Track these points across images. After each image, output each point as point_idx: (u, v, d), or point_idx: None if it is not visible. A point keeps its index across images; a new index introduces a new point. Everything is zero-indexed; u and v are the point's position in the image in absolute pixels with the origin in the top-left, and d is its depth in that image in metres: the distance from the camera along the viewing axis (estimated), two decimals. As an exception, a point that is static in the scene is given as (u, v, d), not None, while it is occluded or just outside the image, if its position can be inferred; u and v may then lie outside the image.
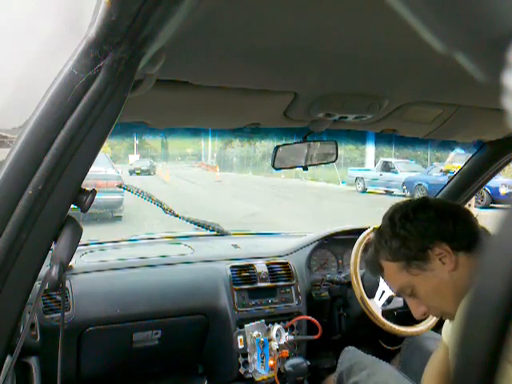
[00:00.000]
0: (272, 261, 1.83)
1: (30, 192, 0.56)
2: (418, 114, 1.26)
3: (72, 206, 0.62)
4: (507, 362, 0.17)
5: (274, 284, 1.78)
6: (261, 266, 1.79)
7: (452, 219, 0.94)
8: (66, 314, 1.44)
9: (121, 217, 8.23)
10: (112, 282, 1.59)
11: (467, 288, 0.73)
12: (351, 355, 1.51)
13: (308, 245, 1.96)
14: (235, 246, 1.98)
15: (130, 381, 1.79)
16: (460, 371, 0.18)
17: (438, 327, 1.74)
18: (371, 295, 1.68)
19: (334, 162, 1.52)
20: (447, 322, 0.94)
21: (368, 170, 16.29)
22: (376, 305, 1.67)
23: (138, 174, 21.27)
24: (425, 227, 0.93)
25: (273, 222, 8.00)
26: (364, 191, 14.75)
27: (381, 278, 1.70)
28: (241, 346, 1.65)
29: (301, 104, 1.11)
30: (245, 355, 1.67)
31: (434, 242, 0.92)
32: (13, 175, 0.57)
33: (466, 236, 0.92)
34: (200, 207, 8.37)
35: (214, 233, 2.12)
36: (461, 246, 0.91)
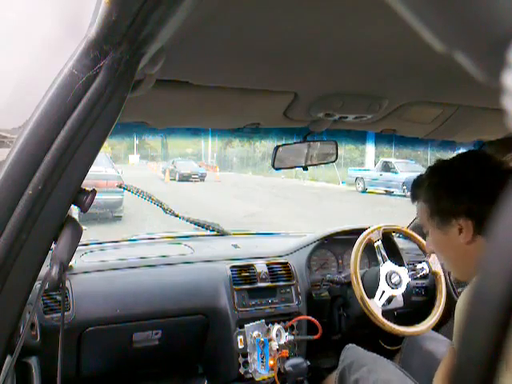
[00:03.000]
0: (272, 261, 1.83)
1: (30, 192, 0.56)
2: (418, 114, 1.26)
3: (72, 205, 0.62)
4: (506, 367, 0.17)
5: (274, 284, 1.78)
6: (261, 266, 1.79)
7: (490, 205, 0.92)
8: (66, 314, 1.44)
9: (121, 217, 8.23)
10: (112, 282, 1.59)
11: (471, 265, 0.72)
12: (352, 352, 1.51)
13: (308, 245, 1.96)
14: (235, 246, 1.98)
15: (130, 381, 1.79)
16: (459, 371, 0.18)
17: (437, 327, 1.74)
18: (371, 295, 1.68)
19: (333, 162, 1.52)
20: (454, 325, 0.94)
21: (368, 170, 16.29)
22: (376, 305, 1.67)
23: (194, 180, 17.46)
24: (462, 200, 0.93)
25: (273, 222, 8.00)
26: (364, 191, 14.75)
27: (381, 278, 1.70)
28: (241, 346, 1.65)
29: (301, 104, 1.11)
30: (245, 355, 1.67)
31: (461, 215, 0.93)
32: (13, 175, 0.57)
33: (488, 221, 0.91)
34: (200, 207, 8.38)
35: (214, 233, 2.12)
36: (480, 230, 0.92)
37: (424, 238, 1.88)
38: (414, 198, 1.07)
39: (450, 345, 1.00)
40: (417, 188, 1.06)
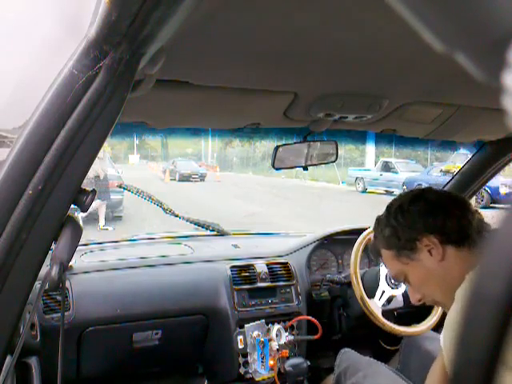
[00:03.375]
0: (272, 261, 1.84)
1: (30, 192, 0.56)
2: (418, 114, 1.26)
3: (72, 205, 0.62)
4: (505, 367, 0.17)
5: (274, 284, 1.78)
6: (261, 266, 1.79)
7: (443, 213, 0.95)
8: (66, 314, 1.44)
9: (121, 217, 8.23)
10: (112, 281, 1.59)
11: (455, 280, 0.73)
12: (347, 357, 1.51)
13: (308, 245, 1.96)
14: (235, 246, 1.98)
15: (130, 381, 1.79)
16: (458, 372, 0.18)
17: (437, 327, 1.74)
18: (371, 295, 1.68)
19: (334, 161, 1.52)
20: (444, 328, 0.94)
21: (368, 169, 16.28)
22: (376, 305, 1.67)
23: (194, 180, 17.20)
24: (414, 219, 0.97)
25: (273, 223, 8.00)
26: (364, 191, 14.75)
27: (381, 278, 1.71)
28: (241, 346, 1.65)
29: (301, 104, 1.11)
30: (245, 355, 1.67)
31: (422, 234, 0.95)
32: (13, 175, 0.57)
33: (455, 231, 0.93)
34: (200, 207, 8.38)
35: (214, 233, 2.12)
36: (449, 240, 0.93)
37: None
38: (377, 257, 1.11)
39: (438, 341, 1.00)
40: (374, 249, 1.10)
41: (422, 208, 0.97)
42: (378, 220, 1.06)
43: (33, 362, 1.38)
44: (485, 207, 9.77)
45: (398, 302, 1.73)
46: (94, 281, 1.58)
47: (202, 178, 18.16)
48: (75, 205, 0.63)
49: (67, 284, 1.48)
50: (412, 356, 1.61)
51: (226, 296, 1.68)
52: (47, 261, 0.62)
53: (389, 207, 1.04)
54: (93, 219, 7.05)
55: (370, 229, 1.81)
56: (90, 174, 6.66)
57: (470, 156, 1.84)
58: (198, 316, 1.66)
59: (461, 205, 0.98)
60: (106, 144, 0.65)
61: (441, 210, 0.96)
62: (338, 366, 1.49)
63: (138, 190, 2.09)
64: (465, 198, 1.04)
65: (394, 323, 1.67)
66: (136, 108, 0.99)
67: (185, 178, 17.45)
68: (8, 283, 0.58)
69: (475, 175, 1.80)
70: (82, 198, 0.63)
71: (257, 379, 1.64)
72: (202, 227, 2.11)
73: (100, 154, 7.00)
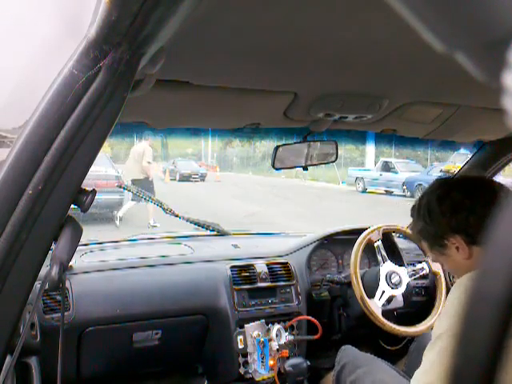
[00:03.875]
0: (272, 261, 1.83)
1: (30, 192, 0.56)
2: (418, 114, 1.26)
3: (72, 205, 0.62)
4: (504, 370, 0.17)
5: (274, 284, 1.78)
6: (261, 266, 1.79)
7: (467, 212, 0.95)
8: (65, 314, 1.44)
9: (121, 217, 8.22)
10: (112, 281, 1.59)
11: None
12: (348, 353, 1.52)
13: (308, 245, 1.96)
14: (235, 246, 1.98)
15: (130, 381, 1.79)
16: (458, 371, 0.18)
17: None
18: (371, 295, 1.68)
19: (334, 162, 1.52)
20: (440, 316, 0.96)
21: (368, 170, 16.28)
22: (376, 305, 1.67)
23: (194, 180, 17.04)
24: (439, 220, 0.99)
25: (273, 222, 7.99)
26: (364, 191, 14.74)
27: (381, 278, 1.71)
28: (241, 346, 1.65)
29: (301, 104, 1.11)
30: (245, 355, 1.67)
31: (448, 234, 0.97)
32: (13, 175, 0.57)
33: (479, 231, 0.94)
34: (200, 207, 8.37)
35: (214, 233, 2.12)
36: (474, 241, 0.95)
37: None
38: (418, 242, 1.17)
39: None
40: (414, 236, 1.15)
41: (446, 208, 0.98)
42: (413, 209, 1.08)
43: (33, 362, 1.37)
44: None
45: (398, 302, 1.73)
46: (94, 281, 1.58)
47: (203, 177, 18.14)
48: (75, 205, 0.63)
49: (67, 284, 1.48)
50: (420, 359, 1.60)
51: (226, 296, 1.68)
52: (47, 261, 0.62)
53: (420, 200, 1.06)
54: (91, 219, 7.05)
55: (370, 229, 1.81)
56: (141, 175, 7.00)
57: (469, 156, 1.84)
58: (197, 316, 1.66)
59: (488, 198, 0.96)
60: (106, 144, 0.65)
61: (465, 211, 0.96)
62: (339, 363, 1.50)
63: (138, 190, 2.09)
64: (496, 187, 1.01)
65: (394, 323, 1.67)
66: (136, 108, 0.99)
67: (185, 178, 17.45)
68: (8, 283, 0.58)
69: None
70: (82, 198, 0.63)
71: (257, 379, 1.64)
72: (202, 227, 2.11)
73: (150, 159, 7.17)
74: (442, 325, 0.92)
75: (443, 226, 0.98)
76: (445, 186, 1.04)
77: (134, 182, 6.92)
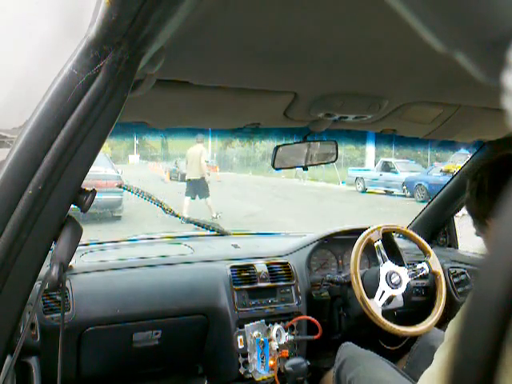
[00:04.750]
0: (272, 261, 1.83)
1: (30, 192, 0.56)
2: (418, 114, 1.26)
3: (72, 205, 0.62)
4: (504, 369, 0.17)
5: (273, 284, 1.78)
6: (261, 266, 1.79)
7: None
8: (66, 313, 1.44)
9: (120, 217, 8.23)
10: (112, 281, 1.59)
11: None
12: (348, 350, 1.52)
13: (308, 245, 1.96)
14: (235, 246, 1.98)
15: (130, 381, 1.79)
16: (458, 371, 0.18)
17: (438, 327, 1.74)
18: (371, 295, 1.68)
19: (334, 162, 1.52)
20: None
21: (368, 170, 16.27)
22: (376, 305, 1.66)
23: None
24: (484, 202, 0.98)
25: (273, 222, 7.99)
26: (364, 191, 14.73)
27: (381, 278, 1.70)
28: (241, 346, 1.65)
29: (301, 104, 1.12)
30: (245, 355, 1.67)
31: (489, 219, 0.97)
32: (13, 175, 0.57)
33: None
34: (200, 207, 8.37)
35: (214, 233, 2.12)
36: None
37: (424, 238, 1.88)
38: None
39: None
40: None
41: (493, 192, 0.98)
42: (469, 182, 1.07)
43: (33, 361, 1.38)
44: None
45: (398, 302, 1.73)
46: (94, 281, 1.58)
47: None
48: (75, 205, 0.63)
49: (67, 284, 1.48)
50: (422, 357, 1.60)
51: (226, 296, 1.68)
52: (47, 261, 0.62)
53: (473, 177, 1.05)
54: (91, 219, 7.06)
55: (370, 229, 1.81)
56: (198, 175, 7.35)
57: (469, 156, 1.84)
58: (197, 316, 1.66)
59: None
60: (106, 144, 0.65)
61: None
62: (339, 359, 1.50)
63: (138, 190, 2.09)
64: None
65: (394, 323, 1.67)
66: (136, 108, 0.99)
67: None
68: (8, 283, 0.58)
69: (475, 175, 1.80)
70: (82, 198, 0.63)
71: (257, 379, 1.64)
72: (202, 227, 2.11)
73: (207, 158, 7.49)
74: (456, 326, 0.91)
75: (487, 208, 0.97)
76: (502, 173, 1.02)
77: (191, 181, 7.47)
